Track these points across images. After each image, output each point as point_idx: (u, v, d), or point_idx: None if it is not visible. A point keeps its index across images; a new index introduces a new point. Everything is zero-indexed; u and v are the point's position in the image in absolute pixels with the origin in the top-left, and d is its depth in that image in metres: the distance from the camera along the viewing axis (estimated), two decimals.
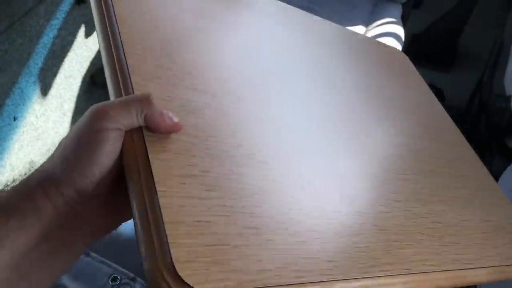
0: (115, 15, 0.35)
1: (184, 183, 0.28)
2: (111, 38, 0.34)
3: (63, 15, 1.11)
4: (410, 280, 0.33)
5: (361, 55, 0.60)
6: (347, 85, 0.50)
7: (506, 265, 0.40)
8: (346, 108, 0.46)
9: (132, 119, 0.28)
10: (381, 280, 0.31)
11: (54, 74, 1.19)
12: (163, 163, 0.28)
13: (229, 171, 0.31)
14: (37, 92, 1.12)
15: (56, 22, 1.09)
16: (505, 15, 2.04)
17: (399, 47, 1.31)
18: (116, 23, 0.35)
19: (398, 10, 1.52)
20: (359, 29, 1.42)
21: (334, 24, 0.60)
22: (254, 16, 0.50)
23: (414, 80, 0.63)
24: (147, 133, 0.29)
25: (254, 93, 0.39)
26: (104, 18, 0.35)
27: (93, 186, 0.28)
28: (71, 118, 1.27)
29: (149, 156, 0.28)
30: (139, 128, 0.29)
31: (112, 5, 0.36)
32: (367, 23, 1.45)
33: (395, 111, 0.52)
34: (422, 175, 0.44)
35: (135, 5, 0.38)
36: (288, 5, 0.56)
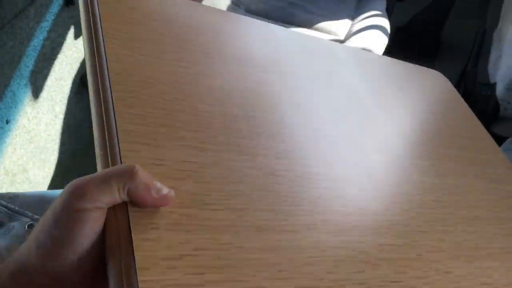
0: (108, 76, 0.32)
1: (173, 267, 0.24)
2: (102, 97, 0.31)
3: (53, 17, 1.11)
4: None
5: (399, 82, 0.54)
6: (387, 119, 0.45)
7: None
8: (376, 144, 0.41)
9: (113, 196, 0.26)
10: None
11: (45, 77, 1.19)
12: (148, 244, 0.25)
13: (227, 246, 0.27)
14: (28, 95, 1.12)
15: (46, 24, 1.09)
16: (486, 4, 2.09)
17: (385, 39, 1.34)
18: (109, 78, 0.32)
19: (382, 3, 1.55)
20: (346, 23, 1.44)
21: (354, 48, 0.58)
22: (263, 48, 0.45)
23: (457, 107, 0.57)
24: (131, 208, 0.26)
25: (263, 141, 0.34)
26: (97, 74, 0.32)
27: (72, 272, 0.26)
28: (62, 120, 1.27)
29: (133, 237, 0.25)
30: (124, 203, 0.26)
31: (106, 62, 0.33)
32: (353, 17, 1.47)
33: (438, 144, 0.46)
34: (464, 225, 0.38)
35: (133, 51, 0.35)
36: (293, 29, 0.54)
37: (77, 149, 1.34)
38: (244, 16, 0.49)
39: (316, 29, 1.40)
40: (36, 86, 1.17)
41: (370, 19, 1.41)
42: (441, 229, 0.36)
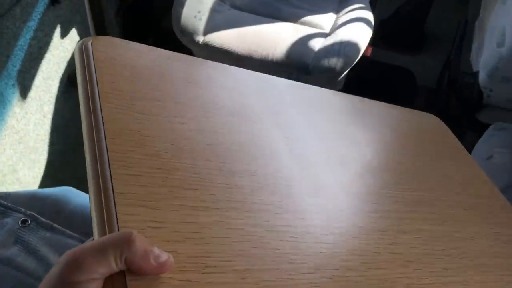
0: (105, 136, 0.32)
1: None
2: (98, 159, 0.30)
3: (39, 16, 1.11)
4: None
5: (395, 128, 0.54)
6: (381, 167, 0.45)
7: None
8: (383, 196, 0.41)
9: (109, 266, 0.25)
10: None
11: (33, 76, 1.18)
12: None
13: None
14: (16, 95, 1.12)
15: (32, 23, 1.09)
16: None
17: (369, 31, 1.36)
18: (105, 139, 0.32)
19: None
20: (330, 16, 1.45)
21: (352, 96, 0.55)
22: (253, 98, 0.45)
23: (452, 151, 0.57)
24: (129, 277, 0.25)
25: (265, 197, 0.34)
26: (93, 133, 0.32)
27: None
28: (51, 120, 1.27)
29: None
30: (122, 271, 0.25)
31: (103, 122, 0.33)
32: (337, 10, 1.49)
33: (428, 194, 0.46)
34: (466, 272, 0.38)
35: (129, 110, 0.35)
36: (279, 79, 0.52)
37: (67, 148, 1.34)
38: (240, 68, 0.49)
39: (302, 23, 1.42)
40: (24, 86, 1.16)
41: (354, 12, 1.43)
42: (445, 278, 0.37)
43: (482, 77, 1.22)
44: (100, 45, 0.40)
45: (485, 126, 1.36)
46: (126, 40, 0.43)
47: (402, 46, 1.96)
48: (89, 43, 0.39)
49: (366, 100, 0.55)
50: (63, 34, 1.21)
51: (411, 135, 0.55)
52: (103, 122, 0.33)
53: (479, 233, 0.43)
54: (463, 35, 1.61)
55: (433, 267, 0.36)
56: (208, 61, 0.46)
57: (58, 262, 0.25)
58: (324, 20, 1.44)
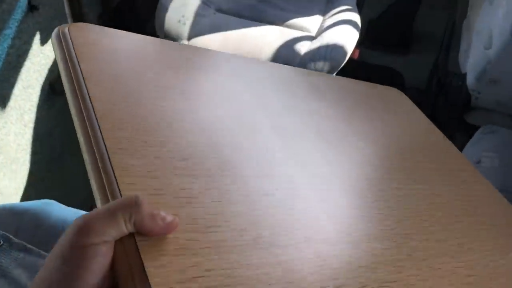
0: (95, 115, 0.33)
1: None
2: (91, 135, 0.32)
3: (16, 24, 1.08)
4: None
5: (356, 99, 0.57)
6: (350, 135, 0.48)
7: None
8: (354, 160, 0.44)
9: (120, 229, 0.26)
10: None
11: (12, 85, 1.16)
12: (160, 271, 0.26)
13: (236, 264, 0.28)
14: None
15: (9, 31, 1.06)
16: None
17: (356, 34, 1.34)
18: (96, 117, 0.33)
19: None
20: (317, 18, 1.44)
21: (305, 70, 0.58)
22: (233, 79, 0.47)
23: (415, 118, 0.61)
24: (139, 238, 0.27)
25: (254, 165, 0.36)
26: (82, 112, 0.33)
27: None
28: (32, 129, 1.24)
29: (144, 264, 0.26)
30: (130, 234, 0.27)
31: (91, 103, 0.34)
32: (324, 12, 1.47)
33: (402, 161, 0.49)
34: (443, 226, 0.41)
35: (114, 90, 0.36)
36: (255, 60, 0.55)
37: (50, 158, 1.32)
38: (217, 51, 0.51)
39: (288, 26, 1.40)
40: (3, 95, 1.14)
41: (340, 14, 1.41)
42: (425, 230, 0.40)
43: (470, 79, 1.21)
44: (77, 31, 0.40)
45: (474, 128, 1.35)
46: (102, 26, 0.44)
47: (391, 46, 1.94)
48: (66, 29, 0.40)
49: (332, 76, 0.59)
50: (43, 41, 1.19)
51: (374, 105, 0.58)
52: (91, 102, 0.34)
53: (445, 190, 0.48)
54: (451, 36, 1.60)
55: (395, 212, 0.40)
56: (185, 44, 0.49)
57: (69, 228, 0.26)
58: (311, 23, 1.42)
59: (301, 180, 0.38)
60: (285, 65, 0.56)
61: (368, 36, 1.96)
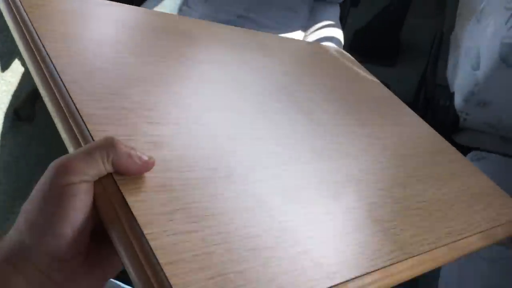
0: (56, 69, 0.34)
1: (171, 220, 0.27)
2: (55, 89, 0.32)
3: None
4: (416, 263, 0.34)
5: (302, 58, 0.61)
6: (298, 90, 0.51)
7: (492, 227, 0.43)
8: (306, 111, 0.47)
9: (98, 168, 0.27)
10: (390, 270, 0.32)
11: None
12: (143, 204, 0.27)
13: (212, 197, 0.30)
14: None
15: None
16: (444, 3, 2.06)
17: None
18: (57, 72, 0.34)
19: (336, 11, 1.49)
20: (298, 34, 1.37)
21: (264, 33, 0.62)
22: (195, 43, 0.50)
23: (359, 72, 0.67)
24: (117, 177, 0.28)
25: (215, 113, 0.39)
26: (42, 69, 0.34)
27: (68, 247, 0.26)
28: None
29: (127, 200, 0.27)
30: (109, 175, 0.28)
31: (49, 57, 0.35)
32: (305, 27, 1.41)
33: (352, 105, 0.54)
34: (394, 160, 0.46)
35: (70, 47, 0.37)
36: (220, 24, 0.58)
37: (16, 187, 1.24)
38: (171, 15, 0.54)
39: None
40: None
41: (323, 30, 1.35)
42: (379, 166, 0.44)
43: (457, 101, 1.15)
44: None
45: (464, 148, 1.29)
46: None
47: (377, 57, 1.88)
48: None
49: (274, 36, 0.63)
50: (4, 67, 1.11)
51: (315, 61, 0.63)
52: (50, 58, 0.34)
53: (389, 131, 0.52)
54: (439, 48, 1.54)
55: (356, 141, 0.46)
56: (139, 7, 0.50)
57: (47, 171, 0.27)
58: (292, 37, 1.35)
59: (260, 126, 0.41)
60: (222, 24, 0.59)
61: (354, 47, 1.90)
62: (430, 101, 1.41)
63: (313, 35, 1.35)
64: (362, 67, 0.69)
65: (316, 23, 1.41)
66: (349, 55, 0.72)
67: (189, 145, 0.33)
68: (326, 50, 0.70)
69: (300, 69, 0.57)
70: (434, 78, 1.45)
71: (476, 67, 1.06)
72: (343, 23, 1.53)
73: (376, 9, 1.91)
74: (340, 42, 1.32)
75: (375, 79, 0.67)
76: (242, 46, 0.55)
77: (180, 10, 1.41)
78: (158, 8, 1.38)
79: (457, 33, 1.41)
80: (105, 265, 0.30)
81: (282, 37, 0.65)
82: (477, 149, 1.26)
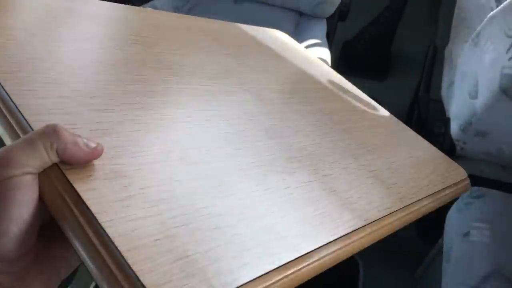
0: None
1: (127, 206, 0.26)
2: None
3: None
4: (375, 229, 0.36)
5: (247, 41, 0.62)
6: (244, 72, 0.51)
7: (440, 190, 0.46)
8: (254, 92, 0.48)
9: (42, 158, 0.25)
10: (351, 237, 0.33)
11: None
12: (95, 192, 0.26)
13: (168, 180, 0.29)
14: None
15: None
16: (436, 12, 1.97)
17: None
18: None
19: (322, 26, 1.39)
20: None
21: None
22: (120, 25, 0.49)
23: (296, 53, 0.67)
24: (64, 166, 0.26)
25: (164, 98, 0.38)
26: None
27: (14, 246, 0.24)
28: None
29: (77, 189, 0.25)
30: (54, 165, 0.26)
31: None
32: None
33: (298, 84, 0.55)
34: (343, 134, 0.47)
35: (4, 44, 0.35)
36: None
37: None
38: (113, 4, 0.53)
39: None
40: None
41: (308, 49, 1.25)
42: (329, 139, 0.45)
43: (454, 129, 1.07)
44: None
45: None
46: None
47: (367, 70, 1.79)
48: None
49: (216, 20, 0.63)
50: None
51: (259, 44, 0.63)
52: None
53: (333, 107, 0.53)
54: (432, 65, 1.45)
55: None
56: None
57: None
58: None
59: (209, 108, 0.40)
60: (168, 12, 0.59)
61: (343, 60, 1.81)
62: (425, 123, 1.33)
63: None
64: (303, 48, 0.71)
65: (301, 40, 1.32)
66: (293, 40, 0.73)
67: (138, 130, 0.32)
68: (270, 33, 0.71)
69: (244, 51, 0.58)
70: (428, 97, 1.37)
71: (474, 95, 0.98)
72: (330, 38, 1.44)
73: (366, 20, 1.81)
74: (327, 63, 1.23)
75: (319, 61, 0.68)
76: (185, 30, 0.55)
77: None
78: None
79: (451, 50, 1.33)
80: (58, 263, 0.28)
81: (224, 22, 0.65)
82: (476, 177, 1.18)
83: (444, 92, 1.29)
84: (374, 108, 0.59)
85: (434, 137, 1.15)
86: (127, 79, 0.38)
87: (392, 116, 0.60)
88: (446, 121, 1.13)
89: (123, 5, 0.54)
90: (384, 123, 0.56)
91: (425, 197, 0.43)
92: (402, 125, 0.58)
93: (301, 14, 1.43)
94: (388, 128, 0.55)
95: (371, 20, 1.78)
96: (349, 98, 0.58)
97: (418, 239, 1.35)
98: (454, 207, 1.01)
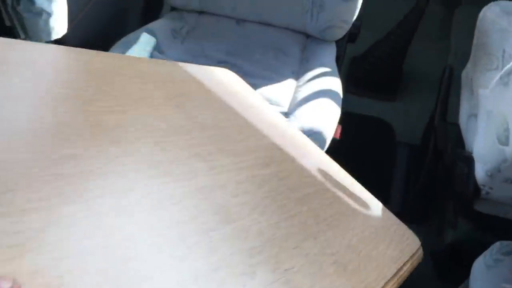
0: None
1: None
2: None
3: None
4: None
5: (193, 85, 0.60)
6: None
7: (400, 267, 0.46)
8: (198, 166, 0.44)
9: None
10: None
11: None
12: None
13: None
14: None
15: None
16: (448, 27, 1.87)
17: (337, 111, 1.09)
18: None
19: (332, 49, 1.30)
20: (290, 83, 1.18)
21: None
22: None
23: (242, 100, 0.65)
24: None
25: (94, 178, 0.35)
26: None
27: None
28: None
29: None
30: None
31: None
32: (297, 73, 1.22)
33: (246, 143, 0.53)
34: (300, 205, 0.47)
35: None
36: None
37: None
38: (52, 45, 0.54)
39: None
40: None
41: (316, 80, 1.16)
42: (286, 215, 0.44)
43: (479, 173, 0.97)
44: None
45: (484, 216, 1.12)
46: None
47: (376, 89, 1.69)
48: None
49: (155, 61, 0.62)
50: None
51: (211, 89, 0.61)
52: None
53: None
54: (448, 90, 1.36)
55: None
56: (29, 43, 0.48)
57: None
58: (281, 92, 1.16)
59: (157, 189, 0.38)
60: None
61: (350, 78, 1.71)
62: (442, 155, 1.23)
63: (306, 87, 1.16)
64: (250, 90, 0.69)
65: (309, 67, 1.22)
66: (242, 82, 0.71)
67: (66, 238, 0.29)
68: (217, 76, 0.68)
69: (190, 102, 0.55)
70: (446, 126, 1.27)
71: (505, 141, 0.88)
72: (339, 62, 1.34)
73: (376, 35, 1.71)
74: (339, 96, 1.13)
75: (265, 107, 0.66)
76: (124, 77, 0.51)
77: (151, 56, 1.22)
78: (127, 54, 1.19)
79: (471, 76, 1.23)
80: None
81: (169, 62, 0.64)
82: (499, 218, 1.09)
83: (463, 121, 1.19)
84: (324, 163, 0.58)
85: (457, 179, 1.06)
86: (54, 157, 0.34)
87: (340, 169, 0.58)
88: (469, 161, 1.04)
89: (54, 45, 0.50)
90: (335, 183, 0.55)
91: (387, 281, 0.43)
92: (351, 179, 0.57)
93: (307, 36, 1.33)
94: (339, 189, 0.54)
95: (381, 37, 1.68)
96: (299, 158, 0.56)
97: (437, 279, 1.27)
98: (481, 260, 0.92)
